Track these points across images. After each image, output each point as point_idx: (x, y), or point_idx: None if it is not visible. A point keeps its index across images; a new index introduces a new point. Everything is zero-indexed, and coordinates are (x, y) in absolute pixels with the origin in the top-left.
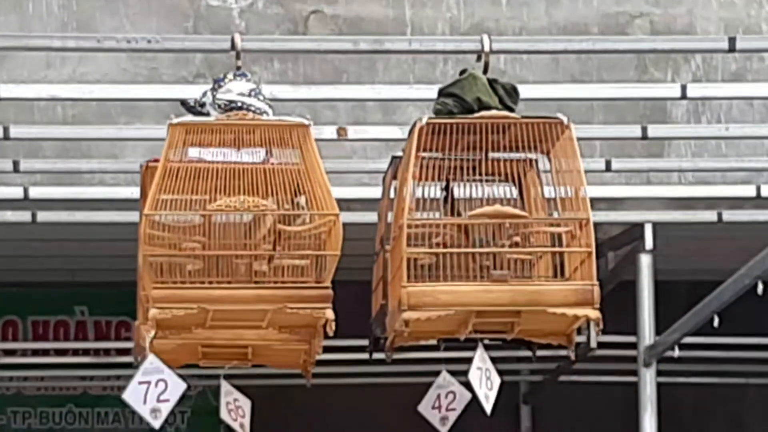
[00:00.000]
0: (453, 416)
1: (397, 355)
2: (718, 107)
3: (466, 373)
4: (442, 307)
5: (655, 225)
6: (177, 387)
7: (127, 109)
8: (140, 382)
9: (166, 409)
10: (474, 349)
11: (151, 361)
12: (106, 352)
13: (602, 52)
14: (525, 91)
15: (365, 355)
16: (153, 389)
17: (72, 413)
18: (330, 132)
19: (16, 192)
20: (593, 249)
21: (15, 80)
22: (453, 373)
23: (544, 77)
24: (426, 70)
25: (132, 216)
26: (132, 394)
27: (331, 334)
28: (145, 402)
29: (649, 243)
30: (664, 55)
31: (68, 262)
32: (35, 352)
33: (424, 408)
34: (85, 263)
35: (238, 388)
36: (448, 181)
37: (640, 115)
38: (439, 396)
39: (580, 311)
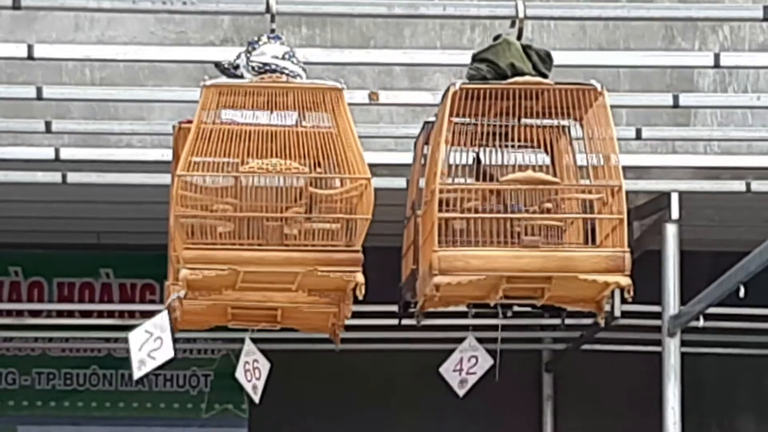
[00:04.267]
0: (472, 380)
1: (421, 322)
2: (744, 77)
3: (492, 340)
4: (473, 272)
5: (681, 194)
6: (166, 352)
7: (155, 71)
8: (146, 331)
9: (150, 365)
10: (504, 315)
11: (163, 316)
12: (131, 314)
13: (636, 20)
14: (554, 57)
15: (393, 321)
16: (150, 343)
17: (96, 375)
18: (360, 97)
19: (47, 153)
20: (625, 216)
21: (44, 41)
22: (479, 340)
23: (571, 45)
24: (453, 37)
25: (159, 178)
26: (135, 337)
27: (360, 297)
28: (140, 349)
29: (675, 212)
30: (691, 25)
31: (94, 224)
32: (60, 314)
33: (446, 370)
34: (111, 225)
35: (263, 351)
36: (477, 154)
37: (667, 85)
38: (461, 359)
39: (611, 278)
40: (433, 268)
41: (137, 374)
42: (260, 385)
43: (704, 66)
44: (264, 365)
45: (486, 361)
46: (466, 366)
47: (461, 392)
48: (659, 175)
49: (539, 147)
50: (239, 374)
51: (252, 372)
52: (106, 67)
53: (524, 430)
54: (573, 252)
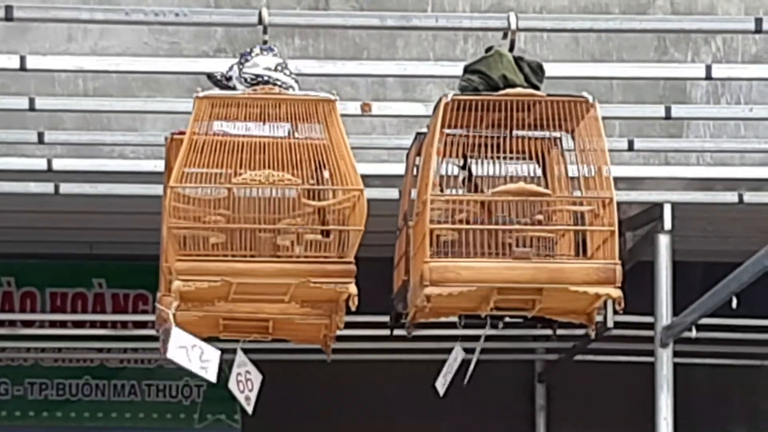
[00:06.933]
0: (448, 378)
1: (412, 333)
2: (737, 88)
3: (483, 350)
4: (464, 283)
5: (674, 205)
6: (213, 352)
7: (148, 82)
8: (180, 347)
9: (213, 366)
10: (495, 327)
11: (177, 335)
12: (124, 324)
13: (628, 32)
14: (546, 69)
15: (385, 331)
16: (192, 352)
17: (89, 385)
18: (352, 108)
19: (40, 163)
20: (616, 228)
21: (37, 52)
22: (470, 350)
23: (564, 57)
24: (446, 48)
25: (152, 189)
26: (176, 355)
27: (354, 309)
28: (190, 361)
29: (668, 223)
30: (684, 37)
31: (87, 234)
32: (53, 324)
33: (440, 384)
34: (103, 236)
35: (255, 361)
36: (465, 157)
37: (660, 96)
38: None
39: (602, 290)
40: (424, 279)
41: (211, 377)
42: (253, 396)
43: (696, 78)
44: (256, 377)
45: (455, 363)
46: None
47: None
48: (652, 186)
49: (531, 158)
50: (232, 385)
51: (244, 383)
52: (99, 78)
53: None
54: (564, 264)
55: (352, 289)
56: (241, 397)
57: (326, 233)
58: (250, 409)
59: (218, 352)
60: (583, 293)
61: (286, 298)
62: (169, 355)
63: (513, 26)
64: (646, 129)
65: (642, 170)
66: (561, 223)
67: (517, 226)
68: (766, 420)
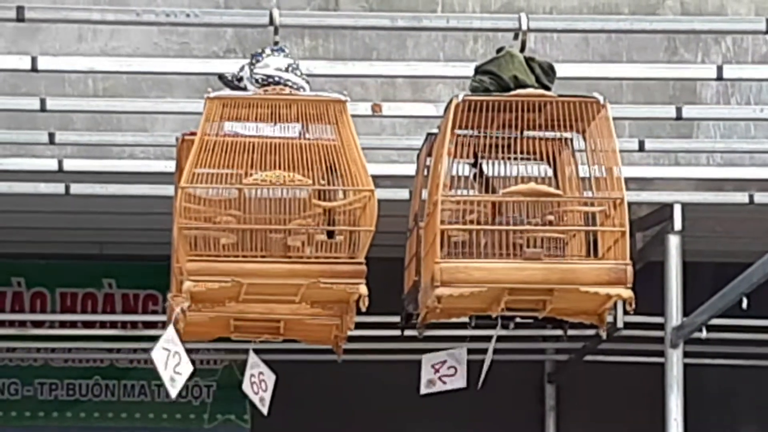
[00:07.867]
0: (439, 387)
1: (423, 333)
2: (747, 89)
3: (493, 351)
4: (475, 283)
5: (684, 206)
6: (186, 366)
7: (158, 82)
8: (163, 348)
9: (180, 381)
10: (506, 327)
11: (170, 330)
12: (134, 324)
13: (639, 32)
14: (556, 69)
15: (396, 332)
16: (171, 359)
17: (99, 385)
18: (363, 108)
19: (51, 164)
20: (627, 229)
21: (47, 53)
22: (480, 351)
23: (574, 57)
24: (456, 49)
25: (163, 189)
26: (158, 356)
27: (364, 309)
28: (165, 367)
29: (678, 224)
30: (694, 37)
31: (97, 235)
32: (63, 324)
33: (427, 360)
34: (114, 236)
35: (266, 362)
36: (476, 156)
37: (670, 96)
38: (444, 362)
39: (613, 290)
40: (435, 280)
41: (173, 392)
42: (267, 396)
43: (707, 78)
44: (269, 377)
45: (459, 381)
46: (443, 371)
47: (423, 390)
48: (662, 186)
49: (542, 159)
50: (246, 387)
51: (258, 384)
52: (109, 78)
53: None
54: (575, 264)
55: (363, 289)
56: (255, 399)
57: (332, 234)
58: (265, 410)
59: (191, 369)
60: (594, 294)
61: (296, 299)
62: (153, 353)
63: (524, 27)
64: (656, 129)
65: (652, 171)
66: (572, 223)
67: (528, 227)
68: None
